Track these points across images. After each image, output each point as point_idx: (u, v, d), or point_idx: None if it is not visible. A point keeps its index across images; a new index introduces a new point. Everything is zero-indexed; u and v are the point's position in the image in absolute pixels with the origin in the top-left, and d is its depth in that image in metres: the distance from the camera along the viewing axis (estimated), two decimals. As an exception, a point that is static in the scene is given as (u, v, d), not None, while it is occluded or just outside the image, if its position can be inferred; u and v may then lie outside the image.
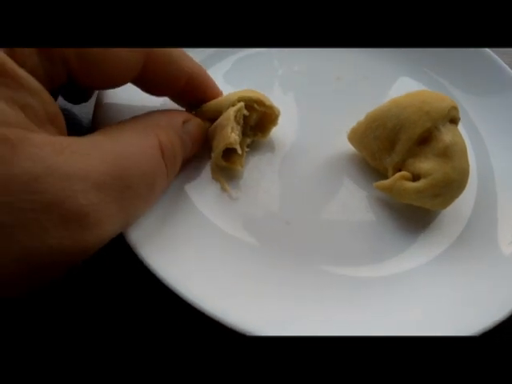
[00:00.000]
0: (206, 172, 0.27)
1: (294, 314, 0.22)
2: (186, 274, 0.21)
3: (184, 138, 0.24)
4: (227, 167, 0.27)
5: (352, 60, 0.33)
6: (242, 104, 0.26)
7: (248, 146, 0.28)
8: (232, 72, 0.31)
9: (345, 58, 0.33)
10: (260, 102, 0.27)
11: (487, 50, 0.31)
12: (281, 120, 0.28)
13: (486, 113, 0.30)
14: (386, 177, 0.27)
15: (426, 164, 0.25)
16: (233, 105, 0.26)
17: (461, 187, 0.25)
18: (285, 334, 0.20)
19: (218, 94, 0.27)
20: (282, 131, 0.29)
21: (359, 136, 0.27)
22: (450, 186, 0.25)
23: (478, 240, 0.25)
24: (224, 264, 0.23)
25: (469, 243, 0.25)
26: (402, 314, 0.22)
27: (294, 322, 0.21)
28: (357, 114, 0.27)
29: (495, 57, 0.31)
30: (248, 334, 0.20)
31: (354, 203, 0.27)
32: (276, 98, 0.28)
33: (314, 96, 0.31)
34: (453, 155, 0.25)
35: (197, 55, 0.26)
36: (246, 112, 0.26)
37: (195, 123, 0.25)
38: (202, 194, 0.26)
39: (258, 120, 0.28)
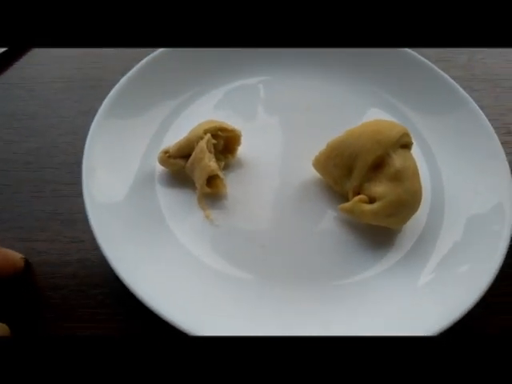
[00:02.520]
0: (188, 204, 0.30)
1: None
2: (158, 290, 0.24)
3: None
4: (213, 192, 0.30)
5: (319, 91, 0.36)
6: (209, 135, 0.29)
7: (223, 169, 0.31)
8: (222, 101, 0.35)
9: (314, 89, 0.36)
10: (223, 129, 0.30)
11: (441, 72, 0.34)
12: (256, 148, 0.32)
13: (438, 132, 0.33)
14: (348, 200, 0.29)
15: (379, 188, 0.28)
16: (201, 138, 0.29)
17: (413, 207, 0.28)
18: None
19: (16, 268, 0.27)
20: (257, 158, 0.32)
21: (322, 164, 0.30)
22: (403, 207, 0.27)
23: (425, 252, 0.28)
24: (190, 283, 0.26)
25: (418, 254, 0.28)
26: (365, 314, 0.25)
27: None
28: (322, 141, 0.30)
29: (447, 77, 0.34)
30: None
31: (321, 224, 0.30)
32: (251, 128, 0.32)
33: (285, 126, 0.34)
34: (404, 178, 0.27)
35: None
36: (214, 141, 0.30)
37: None
38: (184, 222, 0.29)
39: (224, 144, 0.31)
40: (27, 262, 0.28)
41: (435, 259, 0.28)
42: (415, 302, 0.26)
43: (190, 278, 0.26)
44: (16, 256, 0.27)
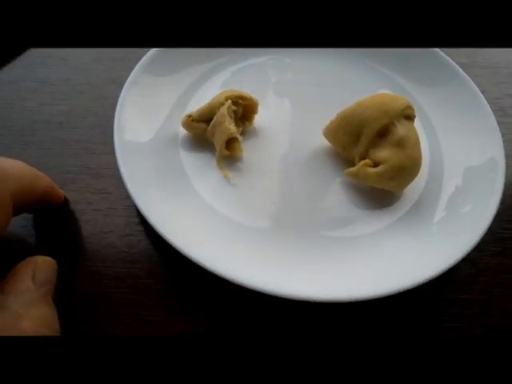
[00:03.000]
0: (208, 165, 0.33)
1: (273, 272, 0.27)
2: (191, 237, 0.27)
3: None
4: (231, 155, 0.33)
5: (329, 69, 0.38)
6: (229, 101, 0.32)
7: (241, 135, 0.34)
8: (230, 80, 0.37)
9: (324, 68, 0.39)
10: (242, 97, 0.33)
11: (437, 50, 0.37)
12: (271, 118, 0.35)
13: (437, 104, 0.36)
14: (354, 165, 0.32)
15: (384, 153, 0.30)
16: (222, 104, 0.32)
17: (413, 173, 0.31)
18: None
19: (60, 197, 0.30)
20: (271, 127, 0.35)
21: (332, 132, 0.33)
22: (404, 171, 0.30)
23: (419, 214, 0.31)
24: (217, 232, 0.29)
25: (412, 216, 0.31)
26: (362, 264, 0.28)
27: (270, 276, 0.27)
28: (330, 113, 0.33)
29: (443, 55, 0.37)
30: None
31: (329, 187, 0.32)
32: (267, 101, 0.35)
33: (298, 99, 0.37)
34: (406, 146, 0.30)
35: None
36: (234, 107, 0.32)
37: (45, 268, 0.24)
38: (205, 181, 0.32)
39: (243, 112, 0.34)
40: (65, 198, 0.31)
41: (433, 220, 0.30)
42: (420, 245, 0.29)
43: (209, 224, 0.29)
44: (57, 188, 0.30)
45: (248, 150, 0.34)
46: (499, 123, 0.37)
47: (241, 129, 0.34)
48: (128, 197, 0.29)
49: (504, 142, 0.36)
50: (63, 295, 0.25)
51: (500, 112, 0.39)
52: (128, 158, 0.30)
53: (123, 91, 0.33)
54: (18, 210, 0.25)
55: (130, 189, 0.28)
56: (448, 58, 0.37)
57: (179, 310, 0.27)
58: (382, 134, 0.31)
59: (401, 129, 0.30)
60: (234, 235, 0.29)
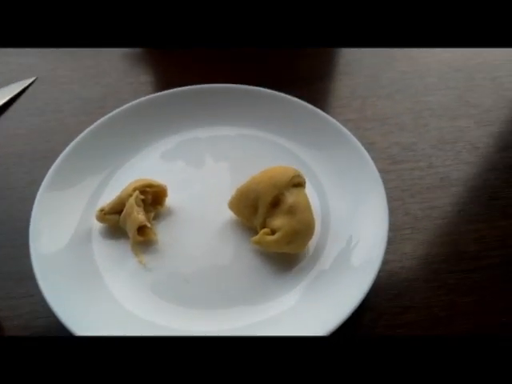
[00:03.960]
0: (124, 252, 0.35)
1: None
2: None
3: None
4: (144, 240, 0.35)
5: (236, 145, 0.43)
6: (137, 192, 0.35)
7: (154, 218, 0.37)
8: (150, 162, 0.41)
9: (232, 143, 0.43)
10: (149, 185, 0.36)
11: (321, 112, 0.42)
12: (183, 197, 0.38)
13: (325, 165, 0.40)
14: (258, 233, 0.35)
15: (278, 221, 0.34)
16: (130, 195, 0.35)
17: (308, 234, 0.34)
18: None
19: None
20: (183, 206, 0.38)
21: (235, 206, 0.36)
22: (299, 235, 0.34)
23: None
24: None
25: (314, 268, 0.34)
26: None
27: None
28: (236, 186, 0.36)
29: (327, 117, 0.41)
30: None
31: (239, 256, 0.35)
32: (178, 181, 0.39)
33: (209, 174, 0.41)
34: (297, 211, 0.34)
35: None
36: (141, 196, 0.35)
37: None
38: (119, 272, 0.34)
39: (153, 197, 0.37)
40: None
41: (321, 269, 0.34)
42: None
43: (119, 327, 0.31)
44: None
45: (162, 230, 0.37)
46: (389, 171, 0.42)
47: (153, 213, 0.37)
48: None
49: (392, 188, 0.40)
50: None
51: (389, 160, 0.43)
52: (44, 260, 0.32)
53: (35, 205, 0.35)
54: None
55: (46, 296, 0.30)
56: (333, 120, 0.41)
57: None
58: (275, 204, 0.34)
59: (290, 197, 0.34)
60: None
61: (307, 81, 0.50)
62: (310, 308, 0.32)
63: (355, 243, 0.35)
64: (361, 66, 0.52)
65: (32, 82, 0.50)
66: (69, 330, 0.29)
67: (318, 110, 0.42)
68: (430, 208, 0.40)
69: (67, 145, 0.39)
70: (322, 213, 0.37)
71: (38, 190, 0.36)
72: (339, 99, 0.49)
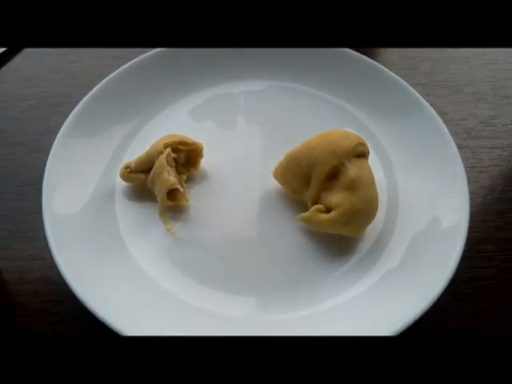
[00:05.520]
0: (151, 217, 0.30)
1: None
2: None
3: None
4: (174, 205, 0.30)
5: (281, 103, 0.36)
6: (168, 149, 0.30)
7: (186, 181, 0.31)
8: (184, 115, 0.35)
9: (277, 101, 0.36)
10: (183, 143, 0.31)
11: (400, 79, 0.35)
12: (220, 160, 0.32)
13: (395, 136, 0.33)
14: (307, 209, 0.30)
15: (335, 197, 0.28)
16: (161, 152, 0.30)
17: (369, 215, 0.28)
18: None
19: None
20: (220, 171, 0.33)
21: (281, 174, 0.31)
22: (358, 215, 0.28)
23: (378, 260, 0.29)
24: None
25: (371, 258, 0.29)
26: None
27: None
28: (283, 152, 0.30)
29: (406, 85, 0.34)
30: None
31: (281, 235, 0.30)
32: (215, 141, 0.33)
33: (248, 136, 0.35)
34: (359, 187, 0.28)
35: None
36: (173, 154, 0.30)
37: None
38: (143, 239, 0.29)
39: (186, 157, 0.32)
40: None
41: (387, 265, 0.28)
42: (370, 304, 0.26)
43: (144, 297, 0.27)
44: None
45: (195, 197, 0.31)
46: (463, 146, 0.35)
47: (185, 176, 0.32)
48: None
49: (467, 168, 0.34)
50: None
51: (464, 134, 0.36)
52: (58, 227, 0.27)
53: (50, 155, 0.30)
54: None
55: (57, 258, 0.26)
56: (403, 83, 0.34)
57: None
58: (333, 175, 0.28)
59: (352, 169, 0.28)
60: (175, 310, 0.26)
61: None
62: (372, 305, 0.26)
63: (430, 230, 0.29)
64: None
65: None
66: (89, 309, 0.25)
67: (385, 69, 0.35)
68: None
69: (91, 89, 0.33)
70: (388, 191, 0.31)
71: (55, 138, 0.31)
72: (404, 59, 0.42)
